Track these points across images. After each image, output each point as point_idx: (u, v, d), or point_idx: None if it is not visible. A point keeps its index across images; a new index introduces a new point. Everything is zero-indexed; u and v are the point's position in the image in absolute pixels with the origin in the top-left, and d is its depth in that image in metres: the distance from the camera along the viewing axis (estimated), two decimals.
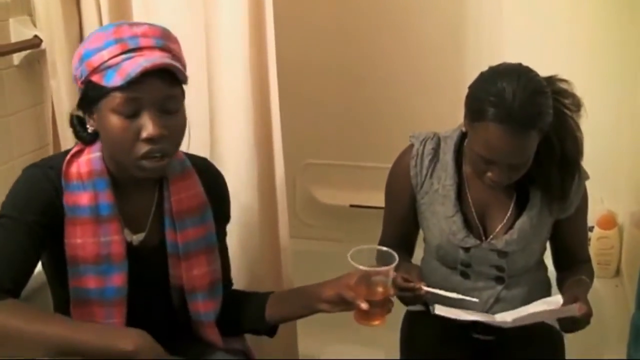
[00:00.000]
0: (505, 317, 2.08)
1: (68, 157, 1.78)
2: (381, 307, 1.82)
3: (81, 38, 2.50)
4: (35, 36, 2.44)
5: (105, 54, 1.65)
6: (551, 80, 2.04)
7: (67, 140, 2.52)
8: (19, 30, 2.42)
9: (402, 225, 2.31)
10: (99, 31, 1.71)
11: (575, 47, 3.09)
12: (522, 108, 1.89)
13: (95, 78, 1.66)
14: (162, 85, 1.66)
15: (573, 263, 2.28)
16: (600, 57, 3.09)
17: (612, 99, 3.09)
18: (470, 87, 2.02)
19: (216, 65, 2.36)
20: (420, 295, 2.00)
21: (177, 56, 1.73)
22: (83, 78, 1.69)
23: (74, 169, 1.77)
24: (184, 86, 1.74)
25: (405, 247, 2.33)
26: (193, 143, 2.34)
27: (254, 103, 2.35)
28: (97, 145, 1.79)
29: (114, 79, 1.63)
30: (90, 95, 1.70)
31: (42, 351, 1.56)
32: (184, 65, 1.75)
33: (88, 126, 1.76)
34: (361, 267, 1.80)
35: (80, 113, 1.77)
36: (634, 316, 2.13)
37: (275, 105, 2.37)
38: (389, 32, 3.36)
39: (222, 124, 2.39)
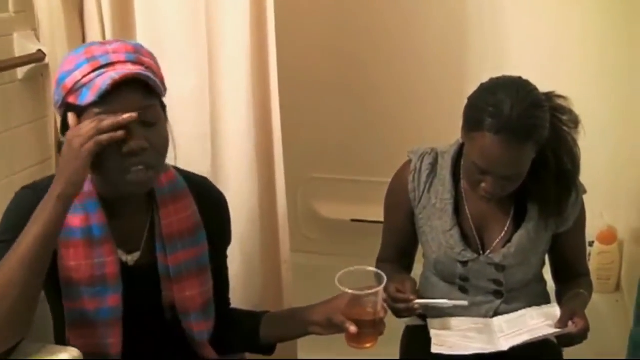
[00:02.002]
0: (503, 325, 2.12)
1: None
2: (372, 328, 1.82)
3: None
4: (39, 50, 2.45)
5: (77, 74, 1.63)
6: (549, 96, 2.07)
7: None
8: (22, 45, 2.43)
9: (400, 240, 2.32)
10: (72, 54, 1.69)
11: (577, 61, 3.11)
12: (519, 120, 1.92)
13: (71, 99, 1.65)
14: (136, 97, 1.64)
15: (572, 277, 2.29)
16: (600, 73, 3.10)
17: (613, 113, 3.10)
18: (469, 98, 2.05)
19: (218, 78, 2.38)
20: (413, 309, 2.02)
21: (151, 68, 1.71)
22: (60, 101, 1.68)
23: None
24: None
25: (403, 262, 2.35)
26: (194, 156, 2.36)
27: (255, 116, 2.37)
28: None
29: (88, 96, 1.61)
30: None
31: (30, 274, 1.57)
32: (160, 78, 1.74)
33: None
34: (348, 290, 1.79)
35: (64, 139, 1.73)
36: (632, 332, 2.14)
37: (276, 119, 2.39)
38: (391, 48, 3.38)
39: (223, 138, 2.41)
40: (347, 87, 3.49)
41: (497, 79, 2.04)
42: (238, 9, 2.29)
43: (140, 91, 1.65)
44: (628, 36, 3.02)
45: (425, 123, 3.32)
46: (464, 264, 2.19)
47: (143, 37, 2.38)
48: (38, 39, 2.50)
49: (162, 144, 1.72)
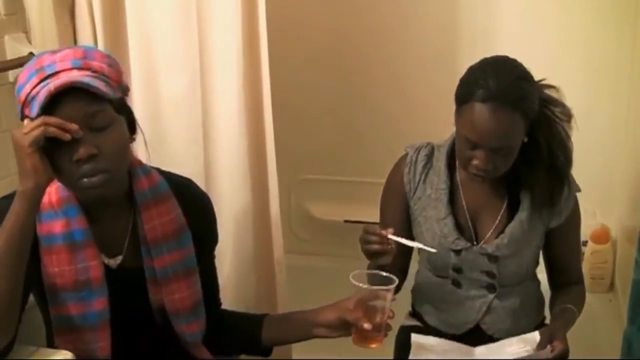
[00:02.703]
0: (483, 352, 2.13)
1: None
2: (379, 330, 1.84)
3: None
4: (30, 53, 2.44)
5: (28, 87, 1.64)
6: (538, 84, 2.09)
7: None
8: (14, 47, 2.42)
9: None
10: (26, 65, 1.70)
11: (570, 57, 3.11)
12: (507, 88, 1.97)
13: (26, 112, 1.65)
14: (80, 104, 1.62)
15: (566, 282, 2.31)
16: (595, 70, 3.10)
17: (607, 112, 3.10)
18: (460, 80, 2.09)
19: (209, 78, 2.38)
20: (386, 244, 1.96)
21: (101, 72, 1.69)
22: (20, 115, 1.69)
23: (45, 198, 1.73)
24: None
25: (398, 261, 2.33)
26: (186, 156, 2.35)
27: (247, 117, 2.37)
28: None
29: (35, 109, 1.61)
30: None
31: (5, 277, 1.60)
32: (115, 81, 1.72)
33: None
34: (363, 285, 1.83)
35: None
36: (625, 331, 2.13)
37: (268, 120, 2.39)
38: (384, 49, 3.37)
39: (215, 138, 2.40)
40: (340, 88, 3.49)
41: (485, 58, 2.09)
42: (229, 8, 2.29)
43: (85, 98, 1.63)
44: (627, 34, 3.02)
45: (419, 124, 3.30)
46: (457, 252, 2.20)
47: (134, 38, 2.38)
48: (29, 42, 2.49)
49: (115, 148, 1.69)
